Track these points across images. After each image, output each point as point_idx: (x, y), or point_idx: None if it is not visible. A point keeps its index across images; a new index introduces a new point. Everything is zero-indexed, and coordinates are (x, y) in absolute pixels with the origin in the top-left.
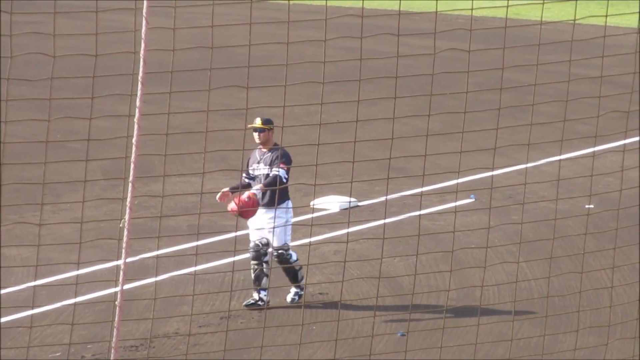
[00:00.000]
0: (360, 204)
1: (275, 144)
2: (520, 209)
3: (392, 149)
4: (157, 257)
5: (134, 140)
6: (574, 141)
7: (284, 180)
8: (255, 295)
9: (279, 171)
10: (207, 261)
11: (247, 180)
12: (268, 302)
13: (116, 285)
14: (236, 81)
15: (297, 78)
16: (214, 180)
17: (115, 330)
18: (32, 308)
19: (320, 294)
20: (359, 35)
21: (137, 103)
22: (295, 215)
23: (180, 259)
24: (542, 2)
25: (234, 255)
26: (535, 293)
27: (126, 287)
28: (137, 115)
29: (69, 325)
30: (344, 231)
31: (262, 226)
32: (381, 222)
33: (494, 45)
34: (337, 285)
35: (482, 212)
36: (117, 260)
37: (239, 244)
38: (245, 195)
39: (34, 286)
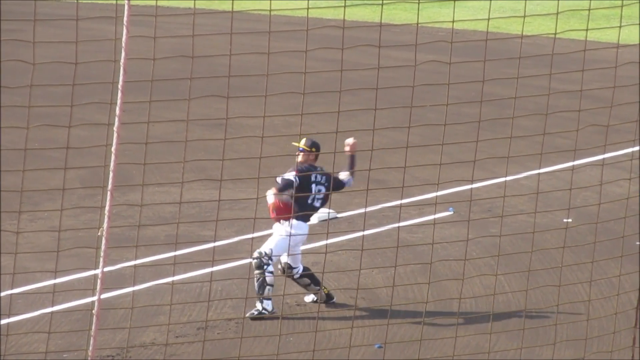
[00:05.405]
0: (339, 215)
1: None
2: (499, 222)
3: (372, 161)
4: (135, 266)
5: (113, 149)
6: (553, 155)
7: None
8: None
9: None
10: (185, 271)
11: None
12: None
13: (93, 295)
14: (216, 91)
15: (277, 89)
16: (192, 190)
17: (91, 339)
18: (9, 316)
19: (298, 305)
20: (339, 46)
21: (117, 112)
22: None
23: (157, 269)
24: (523, 15)
25: (212, 266)
26: (513, 306)
27: (103, 296)
28: (116, 124)
29: (45, 334)
30: (323, 242)
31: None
32: (360, 234)
33: (474, 59)
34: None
35: (460, 224)
36: (95, 269)
37: (216, 255)
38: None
39: (11, 294)
